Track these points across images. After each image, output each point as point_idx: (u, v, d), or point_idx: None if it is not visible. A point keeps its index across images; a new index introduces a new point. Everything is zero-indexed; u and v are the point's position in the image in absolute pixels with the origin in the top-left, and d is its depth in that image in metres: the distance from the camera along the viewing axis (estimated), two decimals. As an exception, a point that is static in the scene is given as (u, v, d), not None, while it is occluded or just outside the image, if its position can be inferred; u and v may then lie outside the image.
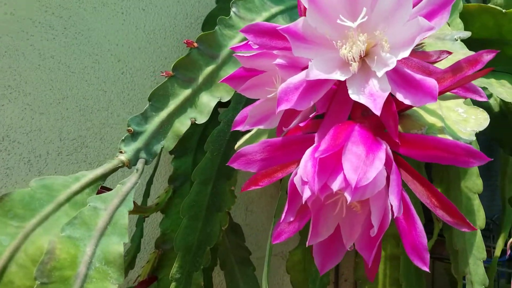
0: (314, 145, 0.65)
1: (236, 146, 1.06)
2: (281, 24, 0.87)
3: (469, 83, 0.71)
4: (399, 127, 0.68)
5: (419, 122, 0.66)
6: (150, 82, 1.39)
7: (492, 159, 0.60)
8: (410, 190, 0.66)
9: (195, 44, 0.87)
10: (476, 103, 0.75)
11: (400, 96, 0.64)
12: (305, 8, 0.73)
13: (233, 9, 0.92)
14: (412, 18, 0.64)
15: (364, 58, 0.68)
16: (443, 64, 0.72)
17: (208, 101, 0.88)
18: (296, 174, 0.64)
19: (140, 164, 0.81)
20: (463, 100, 0.71)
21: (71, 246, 0.66)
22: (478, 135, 0.68)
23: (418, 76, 0.64)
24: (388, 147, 0.62)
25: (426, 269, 0.61)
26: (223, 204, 1.13)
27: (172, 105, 0.85)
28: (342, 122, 0.66)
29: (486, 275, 0.88)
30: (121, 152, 0.81)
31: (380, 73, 0.64)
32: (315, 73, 0.65)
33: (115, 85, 1.34)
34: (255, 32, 0.72)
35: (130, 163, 0.81)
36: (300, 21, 0.67)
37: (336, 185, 0.57)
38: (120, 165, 0.80)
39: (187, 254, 1.08)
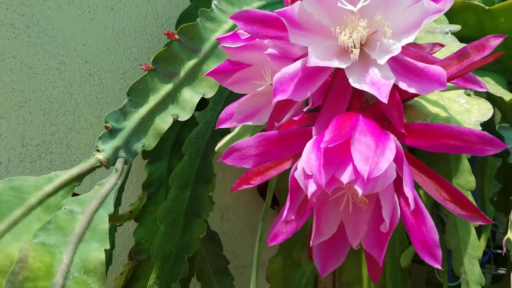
0: (314, 137, 0.61)
1: (216, 148, 1.01)
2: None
3: (469, 73, 0.68)
4: (401, 118, 0.65)
5: (423, 112, 0.63)
6: (119, 84, 1.32)
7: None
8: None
9: (176, 36, 0.81)
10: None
11: (403, 85, 0.61)
12: (292, 0, 0.69)
13: (214, 2, 0.87)
14: (415, 3, 0.61)
15: (362, 47, 0.65)
16: (437, 56, 0.69)
17: (190, 97, 0.83)
18: (296, 169, 0.59)
19: (119, 164, 0.75)
20: (463, 90, 0.68)
21: (46, 253, 0.59)
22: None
23: (421, 64, 0.61)
24: (395, 138, 0.58)
25: (439, 266, 0.58)
26: (202, 210, 1.07)
27: (153, 100, 0.79)
28: (343, 113, 0.62)
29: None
30: (98, 150, 0.74)
31: (382, 60, 0.60)
32: (314, 60, 0.60)
33: (82, 88, 1.27)
34: (245, 19, 0.67)
35: (109, 163, 0.75)
36: (296, 5, 0.63)
37: (346, 177, 0.52)
38: (97, 164, 0.73)
39: (165, 264, 1.01)
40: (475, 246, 0.85)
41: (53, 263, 0.59)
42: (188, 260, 1.08)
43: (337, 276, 1.22)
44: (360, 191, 0.52)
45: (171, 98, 0.81)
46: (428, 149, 0.58)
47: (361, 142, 0.54)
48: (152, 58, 0.81)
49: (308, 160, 0.56)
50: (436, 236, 0.58)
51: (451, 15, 0.99)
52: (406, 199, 0.61)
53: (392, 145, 0.55)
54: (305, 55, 0.69)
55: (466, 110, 0.65)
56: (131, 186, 1.30)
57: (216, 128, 0.81)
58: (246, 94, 0.82)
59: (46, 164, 1.20)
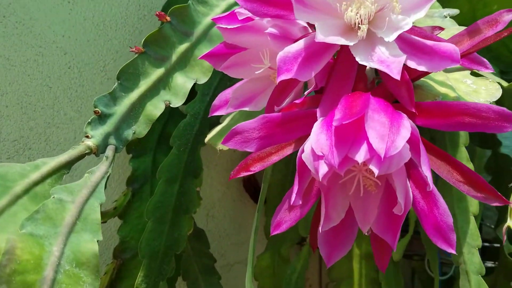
0: (321, 118, 0.58)
1: (206, 140, 0.98)
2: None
3: (474, 54, 0.66)
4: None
5: (432, 92, 0.61)
6: (100, 77, 1.27)
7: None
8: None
9: (168, 18, 0.78)
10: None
11: (412, 64, 0.58)
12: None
13: (205, -16, 0.84)
14: (423, -23, 0.59)
15: (368, 25, 0.62)
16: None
17: (183, 82, 0.79)
18: (303, 151, 0.56)
19: (109, 151, 0.70)
20: (469, 71, 0.66)
21: (34, 245, 0.54)
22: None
23: (430, 42, 0.59)
24: (407, 117, 0.56)
25: (453, 251, 0.55)
26: (190, 205, 1.03)
27: (144, 85, 0.75)
28: (350, 93, 0.60)
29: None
30: (87, 136, 0.70)
31: (391, 37, 0.58)
32: (321, 36, 0.58)
33: (61, 81, 1.21)
34: (245, -4, 0.64)
35: (98, 150, 0.70)
36: (301, -19, 0.60)
37: (361, 156, 0.50)
38: (87, 151, 0.69)
39: (153, 262, 0.97)
40: (475, 235, 0.84)
41: (42, 255, 0.54)
42: (174, 258, 1.04)
43: (327, 272, 1.19)
44: (376, 171, 0.49)
45: (163, 83, 0.77)
46: (441, 128, 0.56)
47: (375, 120, 0.52)
48: (143, 40, 0.76)
49: (318, 140, 0.53)
50: (450, 219, 0.56)
51: (445, 2, 0.98)
52: (416, 182, 0.59)
53: (407, 124, 0.52)
54: (305, 35, 0.66)
55: (474, 91, 0.63)
56: (113, 182, 1.25)
57: (209, 116, 0.78)
58: (240, 81, 0.79)
59: (24, 160, 1.14)
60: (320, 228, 0.57)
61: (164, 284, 1.03)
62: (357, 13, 0.59)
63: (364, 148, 0.50)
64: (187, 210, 1.02)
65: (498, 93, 0.62)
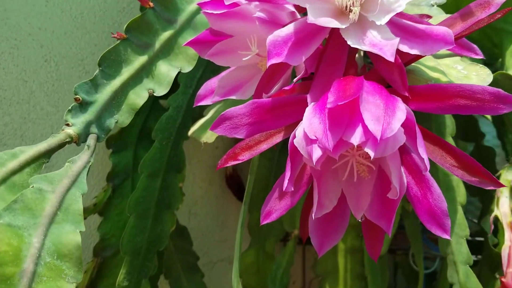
0: (312, 103, 0.56)
1: (190, 133, 0.95)
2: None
3: (463, 39, 0.66)
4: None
5: (424, 77, 0.60)
6: (78, 71, 1.23)
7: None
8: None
9: (151, 4, 0.75)
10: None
11: (404, 48, 0.57)
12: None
13: (188, -30, 0.82)
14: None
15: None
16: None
17: (167, 70, 0.77)
18: (295, 136, 0.54)
19: (91, 140, 0.68)
20: (460, 57, 0.66)
21: (13, 236, 0.51)
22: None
23: (422, 26, 0.58)
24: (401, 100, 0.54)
25: (448, 236, 0.54)
26: (173, 200, 1.01)
27: (126, 72, 0.73)
28: (342, 77, 0.58)
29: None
30: (67, 124, 0.67)
31: (384, 20, 0.57)
32: (312, 19, 0.56)
33: (38, 74, 1.17)
34: (233, -21, 0.62)
35: (79, 139, 0.67)
36: (291, -38, 0.59)
37: (356, 139, 0.48)
38: (67, 140, 0.66)
39: (135, 259, 0.94)
40: (463, 225, 0.83)
41: (21, 246, 0.51)
42: (157, 256, 1.01)
43: (312, 267, 1.18)
44: (372, 153, 0.48)
45: (146, 71, 0.74)
46: (435, 112, 0.55)
47: (370, 102, 0.50)
48: (125, 26, 0.74)
49: (311, 124, 0.51)
50: (444, 204, 0.55)
51: (428, -6, 0.98)
52: (409, 167, 0.58)
53: (402, 106, 0.51)
54: (293, 21, 0.65)
55: (465, 76, 0.62)
56: (93, 179, 1.21)
57: (194, 106, 0.75)
58: (224, 70, 0.77)
59: (-2, 157, 1.10)
60: (313, 215, 0.55)
61: (147, 282, 1.00)
62: (349, -5, 0.58)
63: (359, 130, 0.49)
64: (170, 205, 1.00)
65: (489, 78, 0.62)
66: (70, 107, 0.68)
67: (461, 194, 0.83)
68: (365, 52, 0.65)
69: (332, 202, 0.57)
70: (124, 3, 1.29)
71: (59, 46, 1.20)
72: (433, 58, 0.65)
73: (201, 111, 0.99)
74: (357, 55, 0.69)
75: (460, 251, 0.83)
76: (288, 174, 0.54)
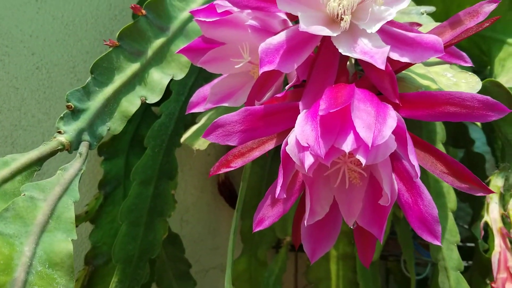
0: (304, 110, 0.56)
1: (182, 140, 0.96)
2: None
3: (452, 47, 0.67)
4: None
5: (414, 85, 0.60)
6: (69, 79, 1.23)
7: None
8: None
9: (143, 11, 0.76)
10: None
11: (395, 55, 0.58)
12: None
13: (181, -22, 0.82)
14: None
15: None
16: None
17: (160, 78, 0.77)
18: (287, 143, 0.55)
19: (83, 148, 0.67)
20: (449, 65, 0.67)
21: (4, 244, 0.51)
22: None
23: (412, 34, 0.59)
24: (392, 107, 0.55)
25: (438, 243, 0.55)
26: (165, 208, 1.01)
27: (118, 80, 0.73)
28: (333, 85, 0.59)
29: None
30: (59, 132, 0.67)
31: (374, 28, 0.58)
32: (303, 27, 0.57)
33: (29, 82, 1.17)
34: (226, -14, 0.62)
35: (71, 146, 0.67)
36: (284, -29, 0.59)
37: (347, 146, 0.49)
38: (59, 147, 0.66)
39: (127, 267, 0.94)
40: (453, 231, 0.84)
41: (13, 255, 0.51)
42: (149, 264, 1.01)
43: (304, 274, 1.18)
44: (363, 160, 0.48)
45: (138, 78, 0.75)
46: (425, 119, 0.55)
47: (361, 109, 0.51)
48: (118, 33, 0.74)
49: (303, 131, 0.52)
50: (434, 210, 0.55)
51: (419, 2, 0.99)
52: (400, 174, 0.58)
53: (393, 113, 0.52)
54: (285, 29, 0.65)
55: (454, 84, 0.63)
56: (84, 186, 1.20)
57: (187, 113, 0.76)
58: (216, 78, 0.77)
59: (-11, 164, 1.09)
60: (305, 222, 0.55)
61: (138, 291, 1.00)
62: (340, 3, 0.58)
63: (351, 137, 0.49)
64: (162, 213, 1.00)
65: (478, 86, 0.63)
66: (62, 115, 0.68)
67: (451, 201, 0.84)
68: (356, 59, 0.65)
69: (324, 209, 0.57)
70: (116, 10, 1.30)
71: (50, 54, 1.20)
72: (423, 65, 0.66)
73: (193, 118, 0.99)
74: (348, 63, 0.69)
75: (451, 257, 0.83)
76: (280, 181, 0.54)
